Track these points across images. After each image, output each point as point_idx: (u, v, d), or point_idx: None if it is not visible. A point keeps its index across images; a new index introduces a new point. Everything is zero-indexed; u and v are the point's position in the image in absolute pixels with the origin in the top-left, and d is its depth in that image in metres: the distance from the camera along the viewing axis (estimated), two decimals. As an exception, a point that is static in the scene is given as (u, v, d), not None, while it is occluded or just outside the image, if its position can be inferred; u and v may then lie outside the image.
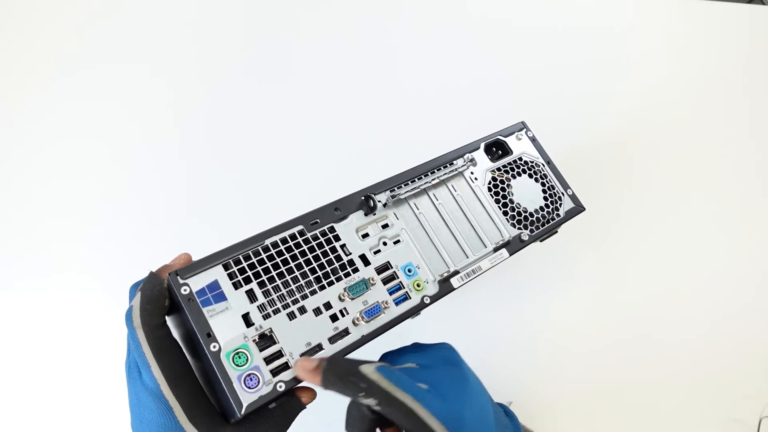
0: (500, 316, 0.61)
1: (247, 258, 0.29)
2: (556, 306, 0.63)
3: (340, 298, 0.31)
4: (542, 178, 0.40)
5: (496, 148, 0.41)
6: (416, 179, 0.36)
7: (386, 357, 0.32)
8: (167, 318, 0.29)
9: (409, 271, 0.33)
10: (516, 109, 0.74)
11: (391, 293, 0.32)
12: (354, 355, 0.30)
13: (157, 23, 0.69)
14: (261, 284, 0.29)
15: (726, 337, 0.65)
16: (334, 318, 0.30)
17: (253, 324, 0.28)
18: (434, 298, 0.33)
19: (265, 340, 0.28)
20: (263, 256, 0.30)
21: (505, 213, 0.38)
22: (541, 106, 0.75)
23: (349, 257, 0.32)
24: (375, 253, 0.33)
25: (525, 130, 0.42)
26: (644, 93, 0.81)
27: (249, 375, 0.27)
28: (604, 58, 0.82)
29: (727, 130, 0.81)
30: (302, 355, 0.29)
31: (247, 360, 0.27)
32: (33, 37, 0.64)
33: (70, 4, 0.67)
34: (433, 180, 0.36)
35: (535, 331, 0.61)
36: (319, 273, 0.31)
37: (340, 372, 0.27)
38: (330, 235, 0.32)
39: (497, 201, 0.38)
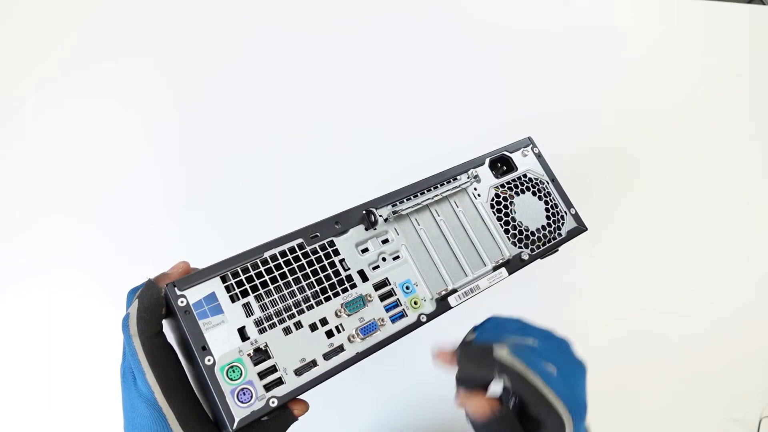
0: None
1: (245, 270, 0.29)
2: (555, 304, 0.63)
3: (336, 314, 0.31)
4: (546, 196, 0.40)
5: (501, 163, 0.40)
6: (419, 194, 0.36)
7: (496, 323, 0.35)
8: (164, 321, 0.29)
9: (407, 288, 0.33)
10: (517, 108, 0.74)
11: (387, 310, 0.32)
12: (359, 364, 0.30)
13: (157, 19, 0.68)
14: (258, 298, 0.29)
15: (726, 337, 0.66)
16: (329, 334, 0.30)
17: (249, 338, 0.28)
18: (431, 317, 0.33)
19: (260, 354, 0.28)
20: (261, 269, 0.30)
21: (507, 231, 0.38)
22: (542, 106, 0.75)
23: (348, 272, 0.32)
24: (374, 268, 0.33)
25: (531, 146, 0.41)
26: (644, 93, 0.80)
27: (242, 389, 0.27)
28: (603, 58, 0.82)
29: (728, 130, 0.81)
30: (296, 371, 0.29)
31: (241, 374, 0.27)
32: (32, 34, 0.63)
33: (68, 1, 0.66)
34: (435, 196, 0.36)
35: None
36: (317, 288, 0.31)
37: (474, 358, 0.30)
38: (329, 249, 0.32)
39: (499, 219, 0.38)
